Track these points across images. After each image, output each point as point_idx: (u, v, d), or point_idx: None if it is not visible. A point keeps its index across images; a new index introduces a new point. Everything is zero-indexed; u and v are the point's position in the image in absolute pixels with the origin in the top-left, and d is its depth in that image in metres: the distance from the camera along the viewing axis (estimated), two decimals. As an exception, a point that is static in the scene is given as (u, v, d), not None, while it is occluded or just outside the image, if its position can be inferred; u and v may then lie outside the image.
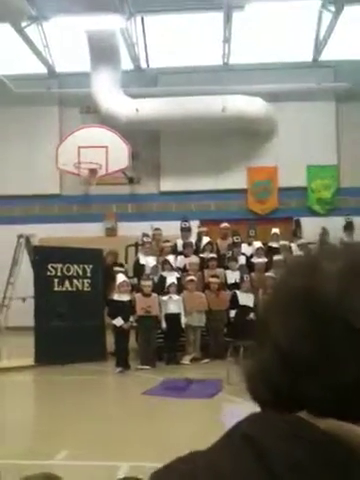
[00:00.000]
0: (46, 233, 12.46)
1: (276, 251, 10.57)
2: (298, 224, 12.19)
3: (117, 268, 9.81)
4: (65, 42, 12.58)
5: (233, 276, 10.01)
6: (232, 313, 9.50)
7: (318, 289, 0.63)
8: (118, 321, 8.77)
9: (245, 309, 9.43)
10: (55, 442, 5.15)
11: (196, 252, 10.53)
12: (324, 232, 10.97)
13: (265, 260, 10.24)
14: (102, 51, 12.04)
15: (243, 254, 10.62)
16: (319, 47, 12.87)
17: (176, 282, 9.37)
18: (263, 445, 0.58)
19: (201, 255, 10.38)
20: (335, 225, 11.31)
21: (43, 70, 13.54)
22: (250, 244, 10.83)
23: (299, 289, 0.65)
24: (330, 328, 0.61)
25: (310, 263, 0.68)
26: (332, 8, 11.39)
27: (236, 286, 9.78)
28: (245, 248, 10.83)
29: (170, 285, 9.26)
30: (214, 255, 10.23)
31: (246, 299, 9.52)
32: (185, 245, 10.50)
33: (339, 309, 0.60)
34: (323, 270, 0.64)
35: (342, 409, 0.59)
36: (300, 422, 0.60)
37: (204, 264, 10.12)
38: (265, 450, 0.58)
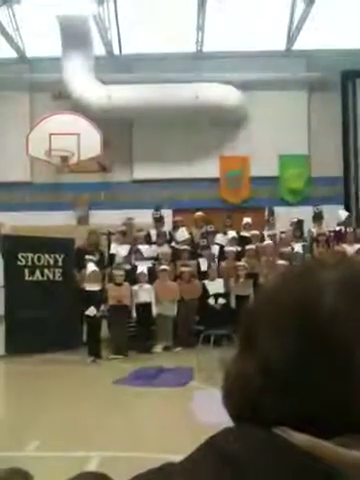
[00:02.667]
0: (16, 221, 12.26)
1: (248, 240, 10.66)
2: (271, 213, 12.27)
3: (88, 257, 9.73)
4: (36, 26, 12.30)
5: (206, 264, 10.07)
6: (212, 301, 9.54)
7: (312, 304, 0.61)
8: (91, 311, 8.76)
9: (218, 296, 9.56)
10: (26, 433, 5.13)
11: (170, 241, 10.55)
12: (298, 222, 11.08)
13: (235, 249, 10.32)
14: (74, 36, 11.83)
15: (217, 244, 10.67)
16: (292, 37, 12.89)
17: (147, 271, 9.37)
18: (241, 463, 0.57)
19: (174, 245, 10.41)
20: (306, 215, 11.43)
21: (13, 54, 13.24)
22: (225, 233, 10.90)
23: (293, 302, 0.63)
24: (319, 348, 0.60)
25: (306, 273, 0.65)
26: (305, -3, 11.41)
27: (205, 274, 9.85)
28: (220, 237, 10.88)
29: (140, 274, 9.26)
30: (187, 247, 10.24)
31: (215, 287, 9.60)
32: (158, 234, 10.50)
33: (332, 329, 0.59)
34: (319, 282, 0.63)
35: (320, 427, 0.59)
36: (278, 440, 0.59)
37: (177, 254, 10.14)
38: (243, 469, 0.57)
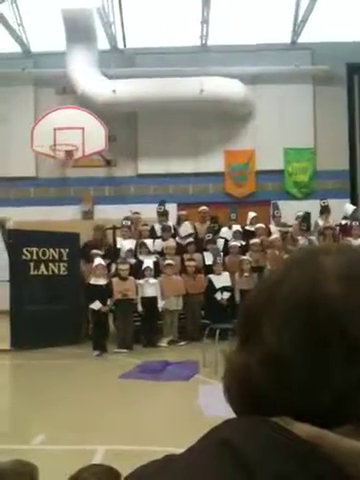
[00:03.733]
0: (21, 216, 12.29)
1: (253, 235, 10.62)
2: (276, 207, 12.21)
3: (95, 251, 9.73)
4: (40, 21, 12.29)
5: (211, 258, 10.04)
6: (218, 296, 9.53)
7: (319, 292, 0.59)
8: (96, 305, 8.77)
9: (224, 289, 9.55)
10: (31, 426, 5.15)
11: (174, 236, 10.53)
12: (305, 215, 11.02)
13: (239, 243, 10.29)
14: (78, 30, 11.81)
15: (222, 238, 10.64)
16: (297, 29, 12.83)
17: (152, 266, 9.37)
18: (243, 453, 0.56)
19: (179, 240, 10.40)
20: (312, 208, 11.38)
21: (18, 49, 13.24)
22: (230, 227, 10.87)
23: (299, 291, 0.61)
24: (329, 337, 0.58)
25: (310, 260, 0.63)
26: (310, -10, 11.34)
27: (211, 269, 9.83)
28: (225, 231, 10.85)
29: (145, 269, 9.26)
30: (192, 240, 10.24)
31: (221, 281, 9.59)
32: (163, 229, 10.49)
33: (341, 316, 0.58)
34: (324, 269, 0.61)
35: (322, 417, 0.58)
36: (280, 430, 0.58)
37: (182, 248, 10.13)
38: (246, 459, 0.55)
